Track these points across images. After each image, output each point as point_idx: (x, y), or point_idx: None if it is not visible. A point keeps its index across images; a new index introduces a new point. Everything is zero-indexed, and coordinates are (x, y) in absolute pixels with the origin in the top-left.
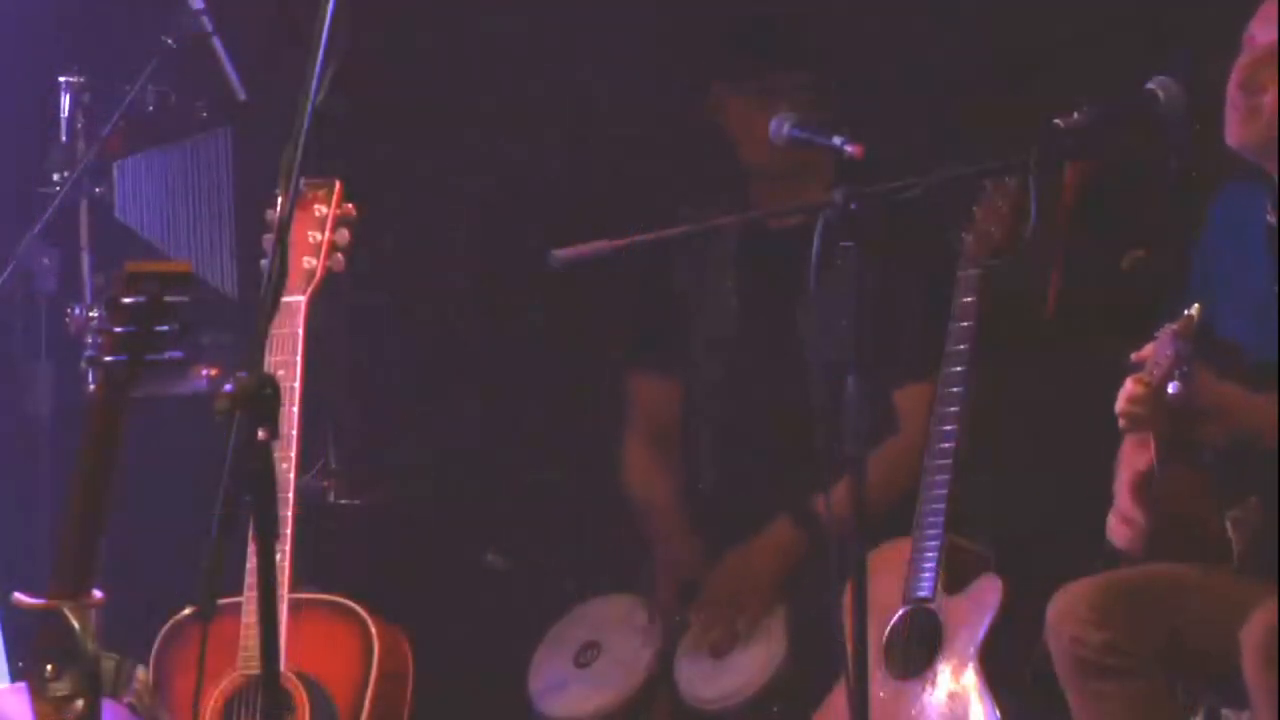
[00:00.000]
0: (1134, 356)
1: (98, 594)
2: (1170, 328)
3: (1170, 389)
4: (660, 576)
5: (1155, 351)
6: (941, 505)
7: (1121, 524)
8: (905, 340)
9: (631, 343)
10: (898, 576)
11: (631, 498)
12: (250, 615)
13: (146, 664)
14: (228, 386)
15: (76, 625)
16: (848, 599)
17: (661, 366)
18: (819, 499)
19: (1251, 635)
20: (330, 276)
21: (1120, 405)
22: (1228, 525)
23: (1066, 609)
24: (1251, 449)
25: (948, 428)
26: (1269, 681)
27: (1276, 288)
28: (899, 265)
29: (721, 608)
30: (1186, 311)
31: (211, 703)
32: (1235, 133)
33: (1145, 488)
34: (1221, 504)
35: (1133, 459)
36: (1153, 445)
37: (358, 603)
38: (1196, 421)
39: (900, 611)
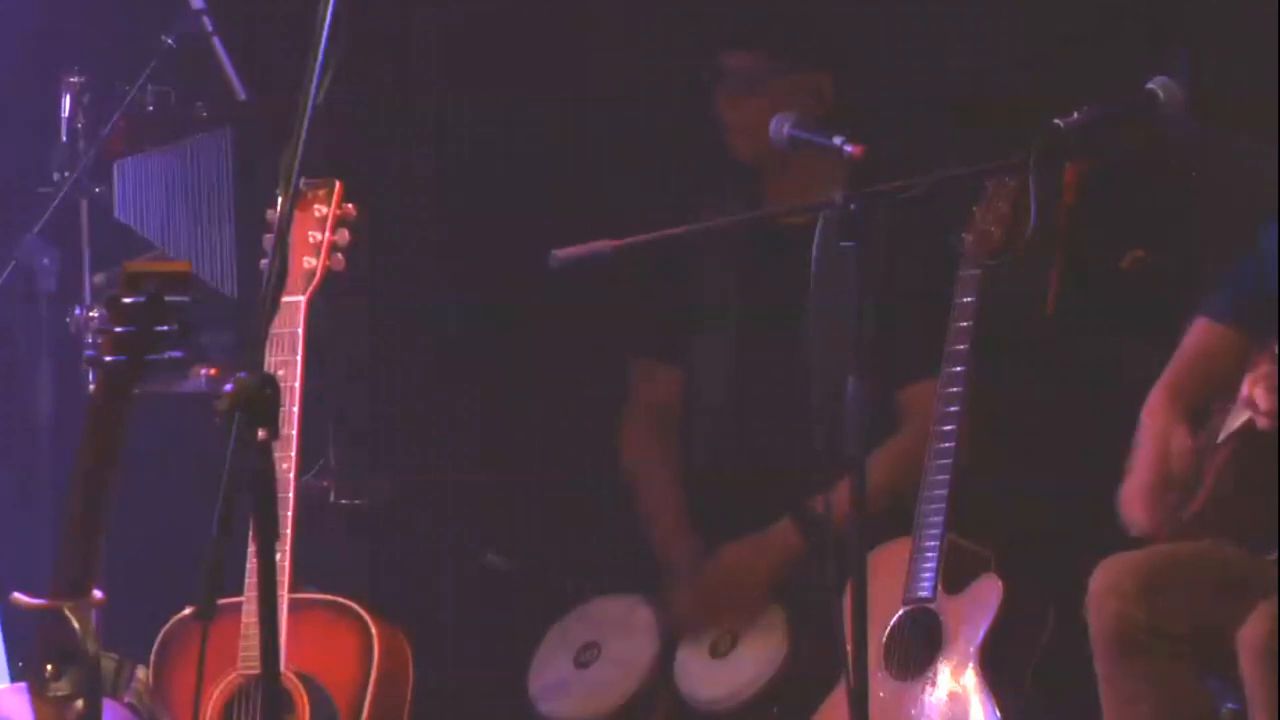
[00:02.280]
0: None
1: (98, 594)
2: None
3: None
4: (663, 566)
5: None
6: (941, 505)
7: (1143, 505)
8: (906, 339)
9: (635, 330)
10: (898, 576)
11: (629, 480)
12: (250, 615)
13: (146, 664)
14: (228, 386)
15: (76, 625)
16: (848, 599)
17: (664, 354)
18: (819, 499)
19: (1251, 636)
20: (330, 276)
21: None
22: None
23: (1111, 583)
24: None
25: (948, 428)
26: (1268, 681)
27: None
28: (901, 264)
29: (716, 603)
30: None
31: (211, 703)
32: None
33: (1186, 464)
34: None
35: (1167, 432)
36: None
37: (358, 603)
38: None
39: (900, 611)
